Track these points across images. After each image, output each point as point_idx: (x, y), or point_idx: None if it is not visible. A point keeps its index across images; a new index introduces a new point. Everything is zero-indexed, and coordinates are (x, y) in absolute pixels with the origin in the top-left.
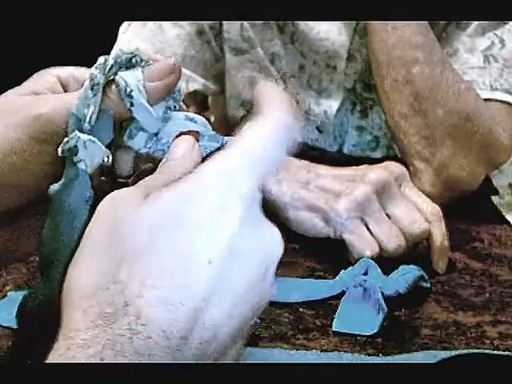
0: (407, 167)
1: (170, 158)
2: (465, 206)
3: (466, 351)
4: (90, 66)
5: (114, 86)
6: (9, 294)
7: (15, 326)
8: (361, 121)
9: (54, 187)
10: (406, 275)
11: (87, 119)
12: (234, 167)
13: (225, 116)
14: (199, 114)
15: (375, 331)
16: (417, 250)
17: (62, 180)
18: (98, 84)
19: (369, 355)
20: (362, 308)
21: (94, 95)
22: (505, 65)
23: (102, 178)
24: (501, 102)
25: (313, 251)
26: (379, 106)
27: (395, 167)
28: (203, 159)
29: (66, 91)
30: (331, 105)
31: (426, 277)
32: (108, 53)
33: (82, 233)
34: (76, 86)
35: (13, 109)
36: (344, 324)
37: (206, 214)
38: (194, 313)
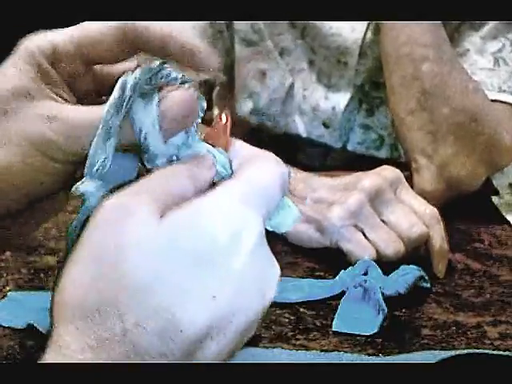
0: (410, 164)
1: (186, 160)
2: (465, 206)
3: (465, 351)
4: None
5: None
6: (9, 294)
7: (15, 326)
8: (366, 119)
9: (78, 188)
10: (406, 275)
11: (98, 166)
12: (245, 197)
13: (230, 109)
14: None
15: (375, 331)
16: (418, 252)
17: (78, 215)
18: (110, 129)
19: (369, 355)
20: (362, 308)
21: (108, 139)
22: None
23: None
24: (508, 104)
25: (313, 251)
26: (386, 106)
27: (390, 172)
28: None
29: (54, 68)
30: (339, 100)
31: (426, 277)
32: None
33: None
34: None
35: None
36: (344, 324)
37: (217, 250)
38: (192, 347)
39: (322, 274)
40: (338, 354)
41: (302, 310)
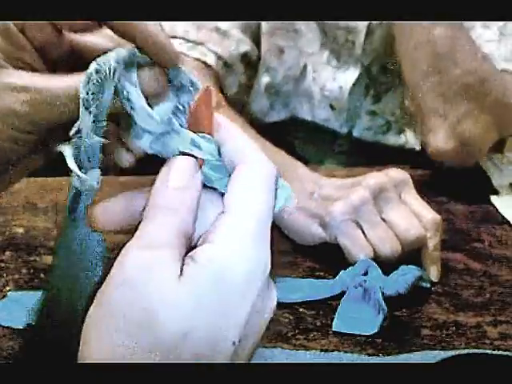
0: (423, 126)
1: (173, 183)
2: (465, 206)
3: (465, 351)
4: None
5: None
6: (9, 293)
7: (15, 326)
8: (373, 105)
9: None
10: (406, 275)
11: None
12: (249, 235)
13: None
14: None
15: (375, 331)
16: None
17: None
18: (91, 106)
19: (369, 355)
20: (362, 308)
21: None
22: None
23: None
24: None
25: (313, 251)
26: (393, 91)
27: (397, 173)
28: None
29: (24, 34)
30: (347, 79)
31: (426, 277)
32: None
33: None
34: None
35: None
36: (344, 324)
37: (233, 296)
38: None
39: (321, 273)
40: (338, 353)
41: (301, 310)
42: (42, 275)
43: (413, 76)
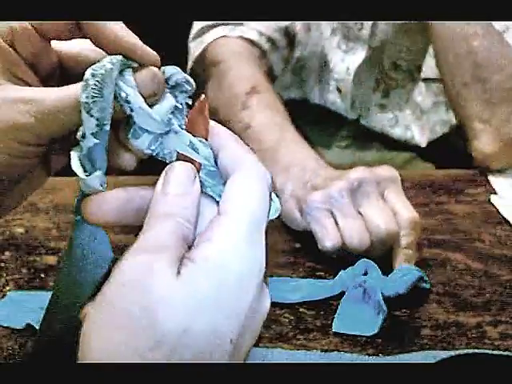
0: (467, 132)
1: (171, 190)
2: (465, 206)
3: (465, 351)
4: None
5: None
6: (9, 293)
7: (15, 326)
8: (382, 99)
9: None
10: (405, 276)
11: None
12: (244, 235)
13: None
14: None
15: (375, 332)
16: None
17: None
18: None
19: (369, 355)
20: (362, 309)
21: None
22: None
23: None
24: None
25: (313, 251)
26: (401, 88)
27: (384, 170)
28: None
29: (14, 48)
30: (354, 60)
31: (426, 278)
32: None
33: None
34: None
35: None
36: (344, 325)
37: (229, 294)
38: None
39: (322, 274)
40: (338, 353)
41: (301, 310)
42: (42, 275)
43: (454, 85)
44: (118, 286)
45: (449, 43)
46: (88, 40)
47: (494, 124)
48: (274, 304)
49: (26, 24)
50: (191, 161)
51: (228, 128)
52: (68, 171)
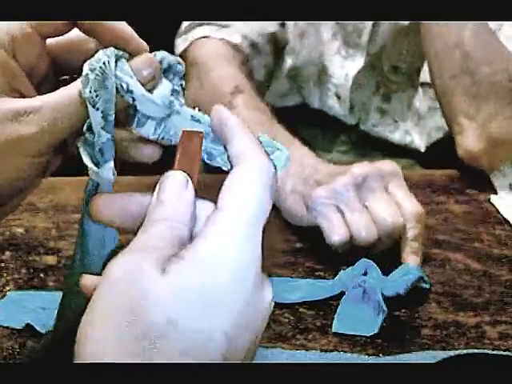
0: (452, 128)
1: (163, 197)
2: (465, 206)
3: (465, 351)
4: None
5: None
6: (9, 293)
7: (15, 326)
8: (383, 104)
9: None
10: (405, 276)
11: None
12: (238, 231)
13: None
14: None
15: (375, 332)
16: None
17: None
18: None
19: (369, 355)
20: (362, 309)
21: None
22: None
23: None
24: None
25: (313, 251)
26: (402, 92)
27: (386, 165)
28: (205, 163)
29: (15, 58)
30: (353, 66)
31: (426, 278)
32: None
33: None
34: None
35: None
36: (344, 325)
37: (221, 287)
38: None
39: (321, 274)
40: (337, 353)
41: (301, 310)
42: (41, 275)
43: (442, 77)
44: (106, 285)
45: (438, 34)
46: (76, 30)
47: (479, 121)
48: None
49: (26, 27)
50: (195, 133)
51: None
52: (68, 171)
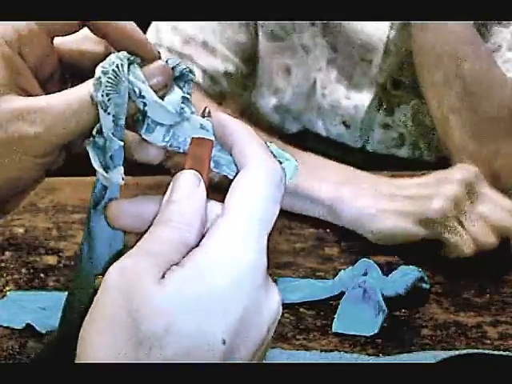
0: (454, 161)
1: (173, 197)
2: None
3: (465, 351)
4: None
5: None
6: (9, 293)
7: (15, 326)
8: (386, 118)
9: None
10: (405, 276)
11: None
12: (240, 238)
13: (244, 107)
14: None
15: (375, 332)
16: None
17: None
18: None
19: (369, 355)
20: (362, 309)
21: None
22: None
23: None
24: None
25: (313, 251)
26: (405, 104)
27: (471, 168)
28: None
29: (21, 55)
30: (363, 99)
31: (426, 278)
32: None
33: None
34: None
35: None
36: (344, 325)
37: (220, 293)
38: None
39: (322, 274)
40: (338, 353)
41: (301, 310)
42: (41, 275)
43: (442, 109)
44: (105, 290)
45: (436, 64)
46: (86, 31)
47: (480, 158)
48: None
49: (33, 25)
50: (205, 141)
51: None
52: (68, 171)
